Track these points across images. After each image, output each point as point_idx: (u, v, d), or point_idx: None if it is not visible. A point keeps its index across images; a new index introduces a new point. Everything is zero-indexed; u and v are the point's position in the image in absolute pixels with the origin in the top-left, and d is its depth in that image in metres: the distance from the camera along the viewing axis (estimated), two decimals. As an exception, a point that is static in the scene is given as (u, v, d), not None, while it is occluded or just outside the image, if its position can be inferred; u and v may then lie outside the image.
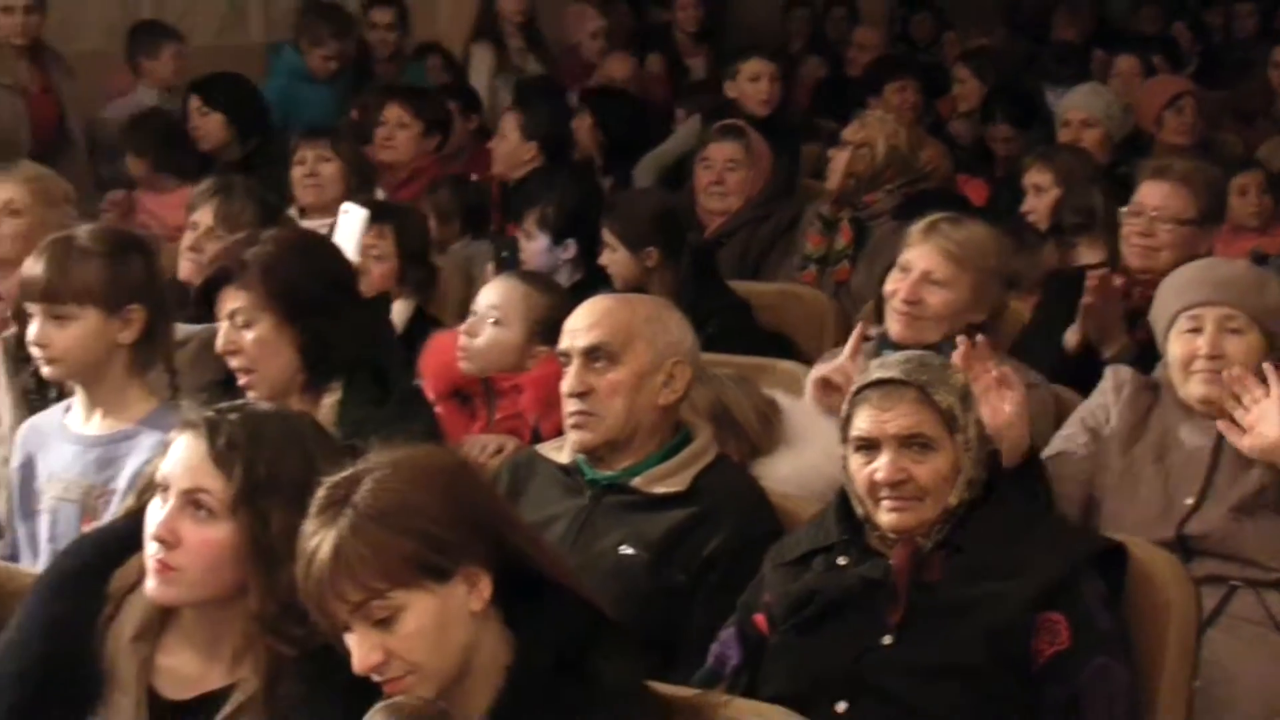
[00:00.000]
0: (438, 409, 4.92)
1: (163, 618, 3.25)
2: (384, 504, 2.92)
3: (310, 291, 4.25)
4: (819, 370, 4.85)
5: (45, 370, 4.36)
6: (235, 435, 3.17)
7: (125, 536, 3.30)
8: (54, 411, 4.47)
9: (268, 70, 9.71)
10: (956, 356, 4.23)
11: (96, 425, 4.32)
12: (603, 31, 10.86)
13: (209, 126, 8.16)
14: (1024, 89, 9.62)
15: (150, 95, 8.81)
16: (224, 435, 3.17)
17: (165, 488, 3.18)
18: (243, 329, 4.26)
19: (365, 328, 4.34)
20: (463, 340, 5.21)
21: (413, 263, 6.09)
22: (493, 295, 5.25)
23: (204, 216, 5.95)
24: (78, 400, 4.38)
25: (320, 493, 2.97)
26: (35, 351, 4.32)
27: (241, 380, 4.29)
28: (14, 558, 4.36)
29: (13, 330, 4.96)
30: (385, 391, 4.31)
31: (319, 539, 2.92)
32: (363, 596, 2.91)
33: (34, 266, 4.29)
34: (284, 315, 4.23)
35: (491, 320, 5.18)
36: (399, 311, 5.94)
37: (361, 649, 2.93)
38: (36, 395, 4.83)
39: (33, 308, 4.28)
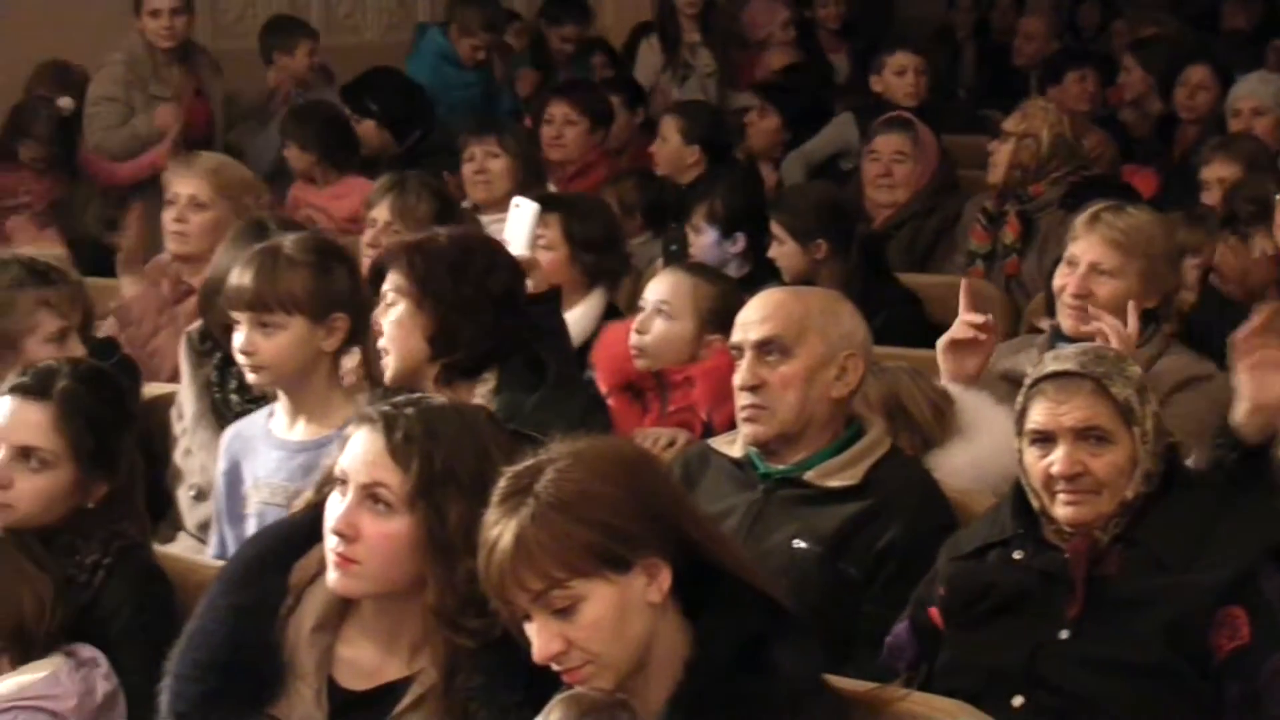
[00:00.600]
0: (610, 402, 4.94)
1: (342, 609, 3.29)
2: (566, 494, 2.93)
3: (449, 286, 4.28)
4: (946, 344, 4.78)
5: (251, 377, 4.43)
6: (412, 429, 3.20)
7: (305, 529, 3.34)
8: (257, 417, 4.54)
9: (414, 49, 9.75)
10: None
11: (300, 431, 4.40)
12: (791, 22, 10.67)
13: (362, 133, 8.19)
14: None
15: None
16: (400, 430, 3.19)
17: (344, 481, 3.22)
18: (389, 307, 4.32)
19: (509, 335, 4.34)
20: (634, 339, 5.20)
21: (587, 250, 5.92)
22: (660, 289, 5.24)
23: (381, 212, 6.02)
24: (280, 406, 4.46)
25: (502, 482, 2.99)
26: (241, 359, 4.39)
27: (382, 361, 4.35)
28: (224, 559, 4.41)
29: (197, 324, 5.04)
30: (540, 380, 4.33)
31: (501, 527, 2.93)
32: (543, 585, 2.92)
33: (241, 276, 4.35)
34: (419, 302, 4.27)
35: (661, 314, 5.18)
36: (590, 306, 5.85)
37: (541, 638, 2.95)
38: (218, 387, 4.91)
39: (239, 316, 4.35)
